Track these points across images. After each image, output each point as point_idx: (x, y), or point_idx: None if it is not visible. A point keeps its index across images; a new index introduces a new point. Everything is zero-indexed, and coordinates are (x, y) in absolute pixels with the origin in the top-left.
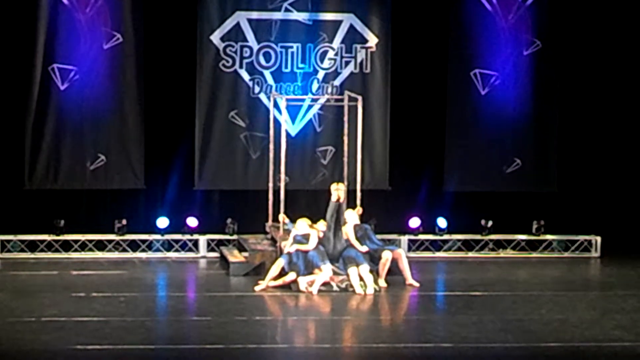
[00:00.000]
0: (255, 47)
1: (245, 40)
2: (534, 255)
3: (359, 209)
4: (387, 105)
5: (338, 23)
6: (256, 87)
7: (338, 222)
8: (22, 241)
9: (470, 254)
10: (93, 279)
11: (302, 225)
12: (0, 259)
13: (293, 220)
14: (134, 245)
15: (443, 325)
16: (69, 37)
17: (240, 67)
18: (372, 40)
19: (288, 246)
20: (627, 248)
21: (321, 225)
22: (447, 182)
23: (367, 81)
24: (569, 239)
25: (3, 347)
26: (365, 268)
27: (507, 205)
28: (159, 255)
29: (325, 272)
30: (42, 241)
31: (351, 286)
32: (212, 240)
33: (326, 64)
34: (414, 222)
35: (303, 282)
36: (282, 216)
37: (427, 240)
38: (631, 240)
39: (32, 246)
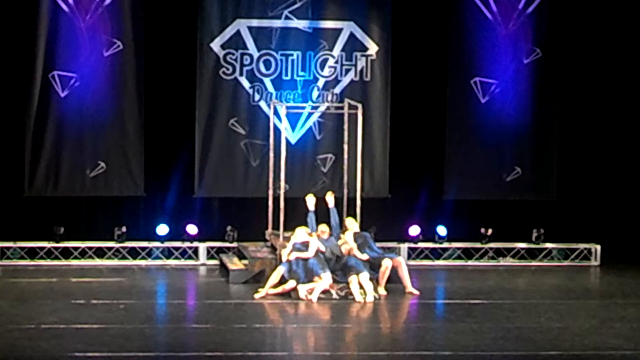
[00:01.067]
0: (256, 54)
1: (246, 47)
2: (534, 263)
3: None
4: (387, 113)
5: (338, 31)
6: (256, 94)
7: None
8: (22, 248)
9: (470, 262)
10: (93, 286)
11: (301, 233)
12: (0, 266)
13: (291, 229)
14: (134, 253)
15: (442, 333)
16: (69, 44)
17: (241, 74)
18: (373, 48)
19: (286, 254)
20: (627, 256)
21: (324, 227)
22: (446, 190)
23: (367, 89)
24: (569, 247)
25: (2, 355)
26: (365, 276)
27: (507, 214)
28: (158, 262)
29: (325, 279)
30: (41, 248)
31: (351, 294)
32: (212, 247)
33: (326, 71)
34: (414, 230)
35: (303, 289)
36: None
37: (426, 248)
38: (631, 248)
39: (32, 253)
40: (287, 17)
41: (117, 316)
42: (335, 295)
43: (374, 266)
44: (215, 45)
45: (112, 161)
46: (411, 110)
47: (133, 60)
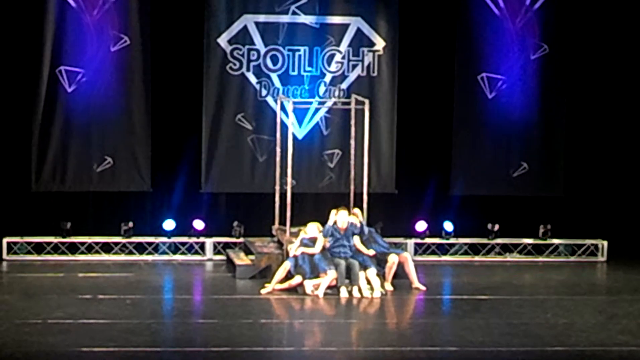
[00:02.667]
0: (263, 50)
1: (253, 43)
2: (540, 259)
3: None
4: (394, 108)
5: (345, 26)
6: (263, 90)
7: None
8: (29, 243)
9: (477, 258)
10: (99, 281)
11: (313, 229)
12: (7, 261)
13: (298, 224)
14: (141, 248)
15: (449, 329)
16: (76, 40)
17: (248, 70)
18: (380, 43)
19: (294, 249)
20: (634, 252)
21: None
22: (453, 185)
23: (374, 85)
24: (575, 243)
25: (9, 349)
26: (372, 271)
27: (514, 209)
28: (165, 257)
29: (330, 275)
30: (48, 243)
31: (358, 289)
32: (219, 242)
33: (333, 67)
34: (421, 225)
35: (309, 285)
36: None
37: (433, 243)
38: (638, 244)
39: (39, 248)
40: (294, 13)
41: (123, 311)
42: (343, 294)
43: (380, 261)
44: (222, 40)
45: (119, 156)
46: (418, 105)
47: (140, 55)
